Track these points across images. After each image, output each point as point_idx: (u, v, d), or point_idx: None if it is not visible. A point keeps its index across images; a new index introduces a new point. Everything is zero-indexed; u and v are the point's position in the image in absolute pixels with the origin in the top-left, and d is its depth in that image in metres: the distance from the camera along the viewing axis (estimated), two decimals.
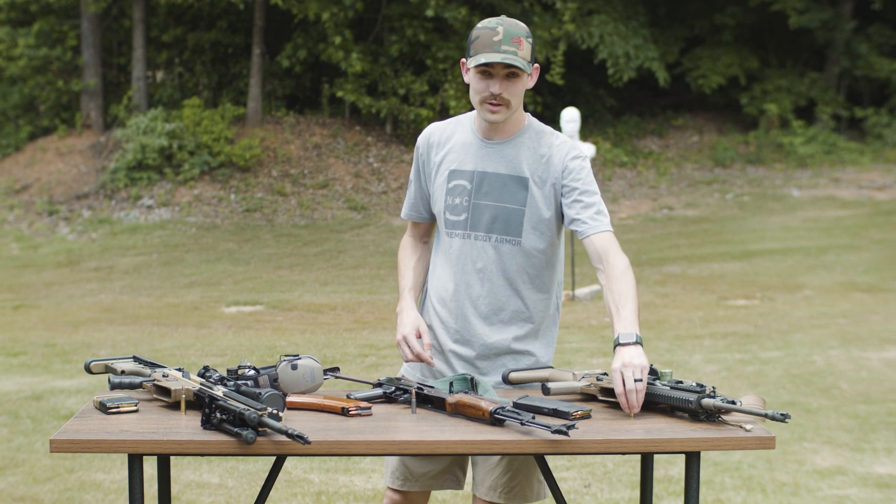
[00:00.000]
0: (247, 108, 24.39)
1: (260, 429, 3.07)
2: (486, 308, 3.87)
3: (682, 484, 6.35)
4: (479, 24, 3.73)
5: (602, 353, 10.53)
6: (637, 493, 6.25)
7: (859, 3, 25.95)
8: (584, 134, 23.74)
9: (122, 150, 22.67)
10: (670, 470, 6.68)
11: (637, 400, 3.39)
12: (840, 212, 20.52)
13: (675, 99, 27.38)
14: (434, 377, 3.92)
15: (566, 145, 3.84)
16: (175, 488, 6.39)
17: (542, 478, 3.97)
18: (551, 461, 3.39)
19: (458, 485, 4.08)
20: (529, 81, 3.76)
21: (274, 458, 3.36)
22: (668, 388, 3.37)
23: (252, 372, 3.55)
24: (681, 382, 3.39)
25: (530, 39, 3.71)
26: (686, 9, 26.81)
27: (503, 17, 3.73)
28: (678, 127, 26.52)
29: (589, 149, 14.23)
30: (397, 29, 23.94)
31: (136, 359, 3.80)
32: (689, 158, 24.72)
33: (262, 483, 6.47)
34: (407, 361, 3.85)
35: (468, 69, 3.73)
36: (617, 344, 3.55)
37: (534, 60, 3.75)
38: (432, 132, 3.99)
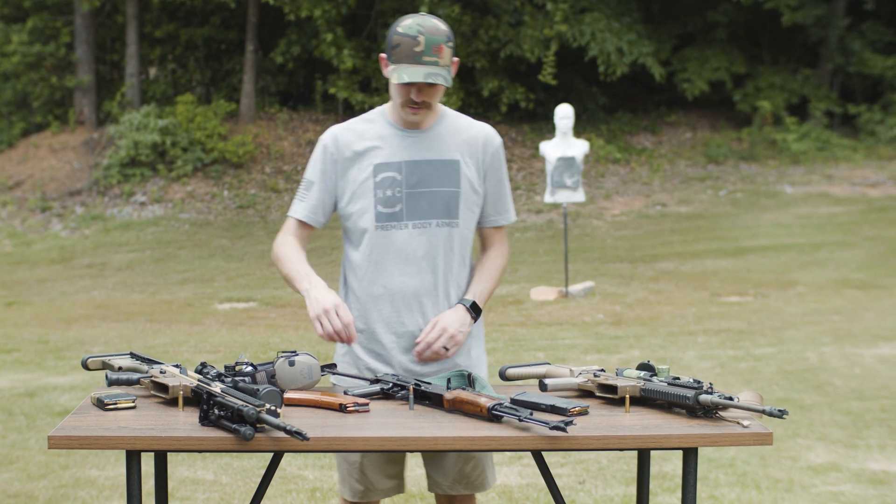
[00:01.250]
0: (240, 104, 24.37)
1: (258, 425, 3.07)
2: (430, 296, 3.89)
3: (676, 480, 6.37)
4: (400, 28, 3.71)
5: (596, 350, 10.54)
6: (631, 490, 6.25)
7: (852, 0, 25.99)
8: (578, 130, 23.73)
9: (115, 147, 22.65)
10: (664, 466, 6.69)
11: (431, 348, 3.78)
12: (833, 208, 20.56)
13: (668, 96, 27.39)
14: (359, 369, 3.92)
15: (487, 128, 3.99)
16: (169, 485, 6.38)
17: (493, 464, 4.09)
18: (546, 458, 3.40)
19: (402, 489, 4.16)
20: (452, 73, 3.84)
21: (270, 455, 3.36)
22: (666, 384, 3.38)
23: (249, 368, 3.55)
24: (678, 379, 3.39)
25: (451, 43, 3.73)
26: (680, 6, 26.81)
27: (424, 20, 3.71)
28: (671, 123, 26.54)
29: (582, 145, 14.25)
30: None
31: (133, 355, 3.79)
32: (682, 155, 24.74)
33: (256, 479, 6.49)
34: (322, 337, 3.71)
35: (389, 75, 3.75)
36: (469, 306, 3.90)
37: (454, 57, 3.79)
38: (338, 132, 3.92)
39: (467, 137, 3.91)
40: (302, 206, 3.94)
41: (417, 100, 3.74)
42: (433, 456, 4.01)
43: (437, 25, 3.71)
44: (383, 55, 3.77)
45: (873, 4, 25.00)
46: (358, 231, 3.90)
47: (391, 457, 3.99)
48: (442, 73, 3.69)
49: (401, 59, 3.67)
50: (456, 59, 3.81)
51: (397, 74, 3.69)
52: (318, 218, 3.94)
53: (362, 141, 3.88)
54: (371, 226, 3.85)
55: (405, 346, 3.88)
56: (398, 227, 3.84)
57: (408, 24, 3.70)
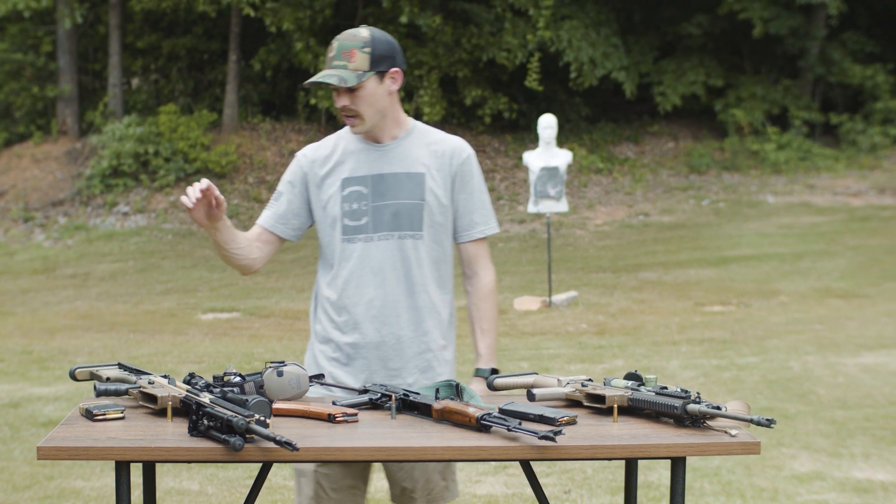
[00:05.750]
0: (222, 114, 24.34)
1: (247, 436, 3.07)
2: (401, 306, 3.94)
3: (661, 490, 6.39)
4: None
5: (580, 360, 10.55)
6: (616, 499, 6.27)
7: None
8: (560, 140, 23.73)
9: (97, 157, 22.61)
10: (649, 476, 6.71)
11: None
12: (815, 218, 20.63)
13: (650, 106, 27.44)
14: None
15: (457, 140, 4.01)
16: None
17: (455, 477, 4.13)
18: (532, 467, 3.41)
19: (363, 499, 4.14)
20: (392, 85, 3.84)
21: (255, 465, 3.35)
22: (653, 394, 3.39)
23: (238, 379, 3.55)
24: (665, 388, 3.41)
25: (367, 49, 3.75)
26: (661, 16, 26.87)
27: (347, 31, 3.79)
28: (653, 133, 26.59)
29: (565, 155, 14.28)
30: None
31: (121, 366, 3.79)
32: (664, 165, 24.79)
33: (242, 490, 6.48)
34: (186, 203, 3.62)
35: None
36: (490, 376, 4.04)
37: (382, 66, 3.78)
38: (311, 149, 4.02)
39: (435, 150, 3.95)
40: (267, 214, 4.01)
41: (338, 105, 3.81)
42: (400, 467, 4.03)
43: (357, 33, 3.78)
44: None
45: (837, 21, 25.16)
46: (327, 244, 3.98)
47: (349, 470, 4.00)
48: (343, 74, 3.73)
49: (322, 69, 3.77)
50: (395, 68, 3.83)
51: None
52: (281, 227, 3.99)
53: (332, 156, 3.95)
54: (338, 238, 3.92)
55: (378, 355, 3.95)
56: (364, 239, 3.89)
57: (333, 39, 3.80)
